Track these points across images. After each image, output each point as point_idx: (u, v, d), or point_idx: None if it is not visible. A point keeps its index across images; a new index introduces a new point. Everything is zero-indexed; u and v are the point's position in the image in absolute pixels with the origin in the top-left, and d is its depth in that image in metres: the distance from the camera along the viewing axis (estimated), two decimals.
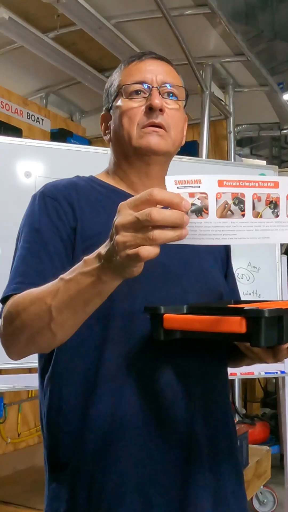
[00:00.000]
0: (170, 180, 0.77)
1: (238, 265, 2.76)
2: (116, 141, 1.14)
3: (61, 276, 0.88)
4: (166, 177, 0.77)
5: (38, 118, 3.62)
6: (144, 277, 0.81)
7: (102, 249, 0.81)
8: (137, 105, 1.09)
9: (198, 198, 0.77)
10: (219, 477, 1.05)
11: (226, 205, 0.78)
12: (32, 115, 3.57)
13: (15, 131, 3.18)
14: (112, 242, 0.77)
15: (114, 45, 3.09)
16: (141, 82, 1.09)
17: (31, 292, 0.94)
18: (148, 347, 0.99)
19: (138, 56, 1.14)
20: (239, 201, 0.79)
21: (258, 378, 4.61)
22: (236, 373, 2.72)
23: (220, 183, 0.78)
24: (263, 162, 4.53)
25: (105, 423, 1.00)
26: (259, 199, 0.80)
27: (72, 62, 3.34)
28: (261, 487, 3.40)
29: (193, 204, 0.77)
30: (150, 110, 1.08)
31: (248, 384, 4.96)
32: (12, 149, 2.47)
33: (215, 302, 1.10)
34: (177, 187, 0.76)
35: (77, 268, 0.85)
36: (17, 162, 2.47)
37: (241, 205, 0.79)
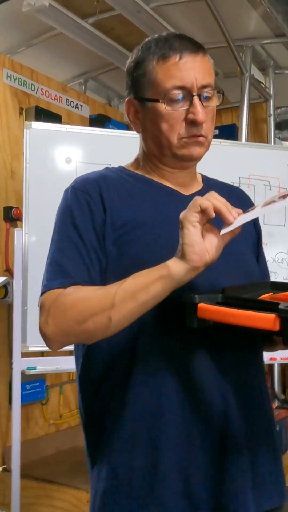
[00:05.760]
0: None
1: (279, 250, 2.73)
2: (152, 141, 1.12)
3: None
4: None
5: (77, 104, 3.64)
6: None
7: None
8: (178, 113, 1.06)
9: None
10: (256, 457, 1.06)
11: None
12: (71, 101, 3.60)
13: (55, 118, 3.21)
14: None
15: (153, 29, 3.06)
16: (182, 88, 1.05)
17: (94, 296, 0.98)
18: (182, 334, 1.00)
19: (174, 50, 1.06)
20: None
21: None
22: (276, 358, 2.70)
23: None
24: None
25: (142, 407, 1.02)
26: None
27: (111, 47, 3.34)
28: None
29: None
30: (192, 123, 1.06)
31: (287, 369, 4.92)
32: (53, 136, 2.51)
33: (252, 283, 1.11)
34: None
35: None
36: (57, 148, 2.51)
37: None
